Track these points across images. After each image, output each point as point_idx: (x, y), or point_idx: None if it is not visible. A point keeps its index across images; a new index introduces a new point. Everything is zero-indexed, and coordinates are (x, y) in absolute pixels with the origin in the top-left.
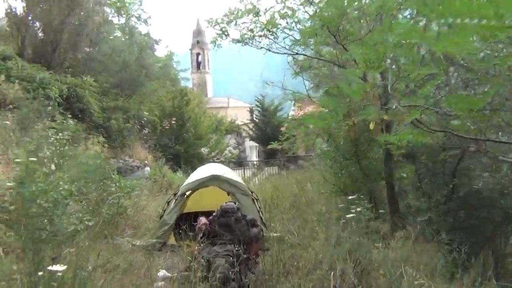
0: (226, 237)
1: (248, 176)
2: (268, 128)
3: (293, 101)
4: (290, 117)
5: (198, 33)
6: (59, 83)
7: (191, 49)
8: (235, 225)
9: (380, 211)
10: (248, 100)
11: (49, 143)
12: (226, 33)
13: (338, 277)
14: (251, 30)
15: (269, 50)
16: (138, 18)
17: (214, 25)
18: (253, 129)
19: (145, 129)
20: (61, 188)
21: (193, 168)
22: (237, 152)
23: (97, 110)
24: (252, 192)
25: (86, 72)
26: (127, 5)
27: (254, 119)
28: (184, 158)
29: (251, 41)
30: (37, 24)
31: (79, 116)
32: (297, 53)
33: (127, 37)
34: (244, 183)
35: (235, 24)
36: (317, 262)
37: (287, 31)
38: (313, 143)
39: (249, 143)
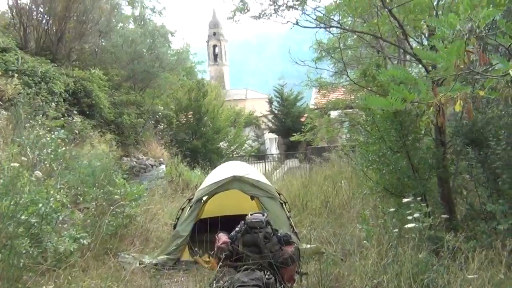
0: (253, 259)
1: (269, 170)
2: (288, 119)
3: (317, 88)
4: (312, 106)
5: (214, 24)
6: (64, 77)
7: (207, 41)
8: (264, 244)
9: (443, 216)
10: (266, 92)
11: (43, 143)
12: (246, 6)
13: None
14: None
15: (296, 24)
16: (153, 9)
17: None
18: (273, 120)
19: (160, 124)
20: (52, 199)
21: (212, 164)
22: (256, 145)
23: (107, 105)
24: (279, 194)
25: (95, 64)
26: None
27: (273, 110)
28: (202, 153)
29: (275, 14)
30: (41, 13)
31: (88, 112)
32: (330, 26)
33: (139, 27)
34: (270, 184)
35: None
36: None
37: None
38: (338, 132)
39: (268, 135)
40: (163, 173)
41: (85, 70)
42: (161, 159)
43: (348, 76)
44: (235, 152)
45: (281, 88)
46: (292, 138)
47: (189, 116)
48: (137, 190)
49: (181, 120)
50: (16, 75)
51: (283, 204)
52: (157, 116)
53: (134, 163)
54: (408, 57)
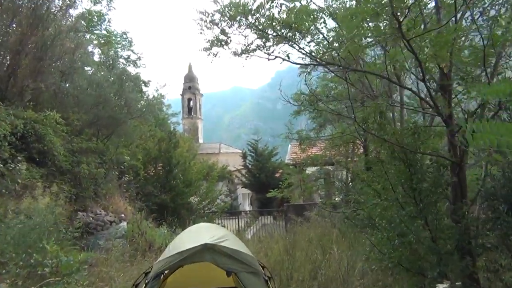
0: None
1: (242, 227)
2: (262, 174)
3: (297, 141)
4: (288, 162)
5: (190, 78)
6: (12, 118)
7: (182, 94)
8: None
9: None
10: (239, 147)
11: None
12: (226, 38)
13: None
14: (262, 32)
15: (287, 60)
16: (127, 59)
17: (209, 26)
18: (246, 175)
19: (125, 176)
20: None
21: (181, 221)
22: (229, 200)
23: (62, 153)
24: (263, 268)
25: (54, 107)
26: (112, 41)
27: (247, 164)
28: (171, 208)
29: (261, 49)
30: None
31: (37, 159)
32: (328, 63)
33: (106, 69)
34: (250, 254)
35: (239, 26)
36: None
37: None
38: (317, 190)
39: (241, 190)
40: (123, 231)
41: (39, 113)
42: (123, 215)
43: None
44: (206, 208)
45: (255, 143)
46: (268, 194)
47: (158, 168)
48: (74, 260)
49: (149, 172)
50: None
51: (268, 281)
52: (122, 167)
53: (91, 219)
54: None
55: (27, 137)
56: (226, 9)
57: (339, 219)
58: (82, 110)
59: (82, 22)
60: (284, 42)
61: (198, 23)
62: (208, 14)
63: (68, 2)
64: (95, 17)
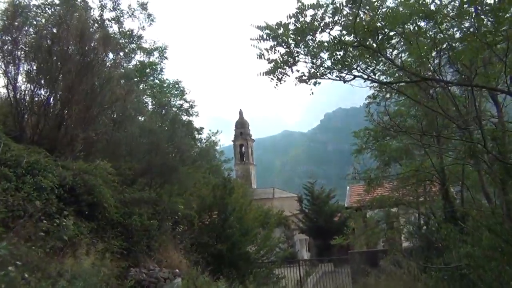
0: None
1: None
2: (320, 218)
3: (365, 181)
4: (348, 205)
5: (241, 124)
6: (60, 169)
7: (234, 141)
8: None
9: None
10: (292, 191)
11: None
12: (294, 58)
13: None
14: (337, 43)
15: (367, 79)
16: (180, 108)
17: (273, 43)
18: (303, 220)
19: (179, 226)
20: None
21: (239, 272)
22: (285, 247)
23: (113, 204)
24: None
25: (106, 157)
26: (165, 90)
27: (304, 209)
28: (228, 259)
29: (336, 65)
30: (42, 95)
31: (87, 212)
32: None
33: (158, 115)
34: None
35: (307, 44)
36: None
37: None
38: (385, 234)
39: (298, 236)
40: None
41: (90, 163)
42: (177, 270)
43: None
44: (264, 257)
45: (311, 186)
46: (334, 242)
47: (214, 216)
48: None
49: (204, 221)
50: None
51: None
52: (176, 217)
53: (144, 275)
54: None
55: (76, 189)
56: (292, 19)
57: (419, 268)
58: (134, 159)
59: (133, 68)
60: (366, 55)
61: (257, 40)
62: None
63: (122, 57)
64: (147, 67)
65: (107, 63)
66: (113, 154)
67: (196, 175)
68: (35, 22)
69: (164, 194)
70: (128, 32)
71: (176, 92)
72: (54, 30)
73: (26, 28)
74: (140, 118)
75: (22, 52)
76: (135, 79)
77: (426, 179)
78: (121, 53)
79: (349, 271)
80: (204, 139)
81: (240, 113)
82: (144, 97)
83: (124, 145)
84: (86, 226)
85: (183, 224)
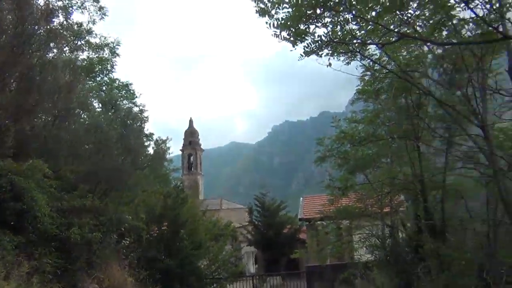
0: None
1: None
2: (270, 230)
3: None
4: (301, 217)
5: (190, 133)
6: None
7: (182, 150)
8: None
9: None
10: (238, 202)
11: None
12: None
13: None
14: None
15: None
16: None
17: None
18: (252, 232)
19: (125, 239)
20: None
21: None
22: (234, 260)
23: (47, 213)
24: None
25: (42, 156)
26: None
27: (253, 220)
28: (178, 275)
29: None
30: None
31: (13, 223)
32: None
33: (107, 111)
34: None
35: None
36: None
37: None
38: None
39: (245, 249)
40: None
41: (21, 162)
42: None
43: None
44: (216, 273)
45: (262, 197)
46: (294, 255)
47: (163, 228)
48: None
49: (153, 233)
50: None
51: None
52: (123, 229)
53: None
54: None
55: (1, 193)
56: None
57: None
58: (77, 160)
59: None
60: None
61: None
62: None
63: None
64: (97, 65)
65: (51, 45)
66: (52, 154)
67: (147, 182)
68: None
69: (110, 202)
70: (76, 25)
71: (126, 95)
72: None
73: None
74: (85, 116)
75: None
76: (82, 74)
77: (403, 187)
78: (66, 48)
79: (305, 284)
80: (153, 147)
81: (190, 121)
82: (91, 94)
83: (66, 143)
84: (11, 240)
85: (129, 237)
